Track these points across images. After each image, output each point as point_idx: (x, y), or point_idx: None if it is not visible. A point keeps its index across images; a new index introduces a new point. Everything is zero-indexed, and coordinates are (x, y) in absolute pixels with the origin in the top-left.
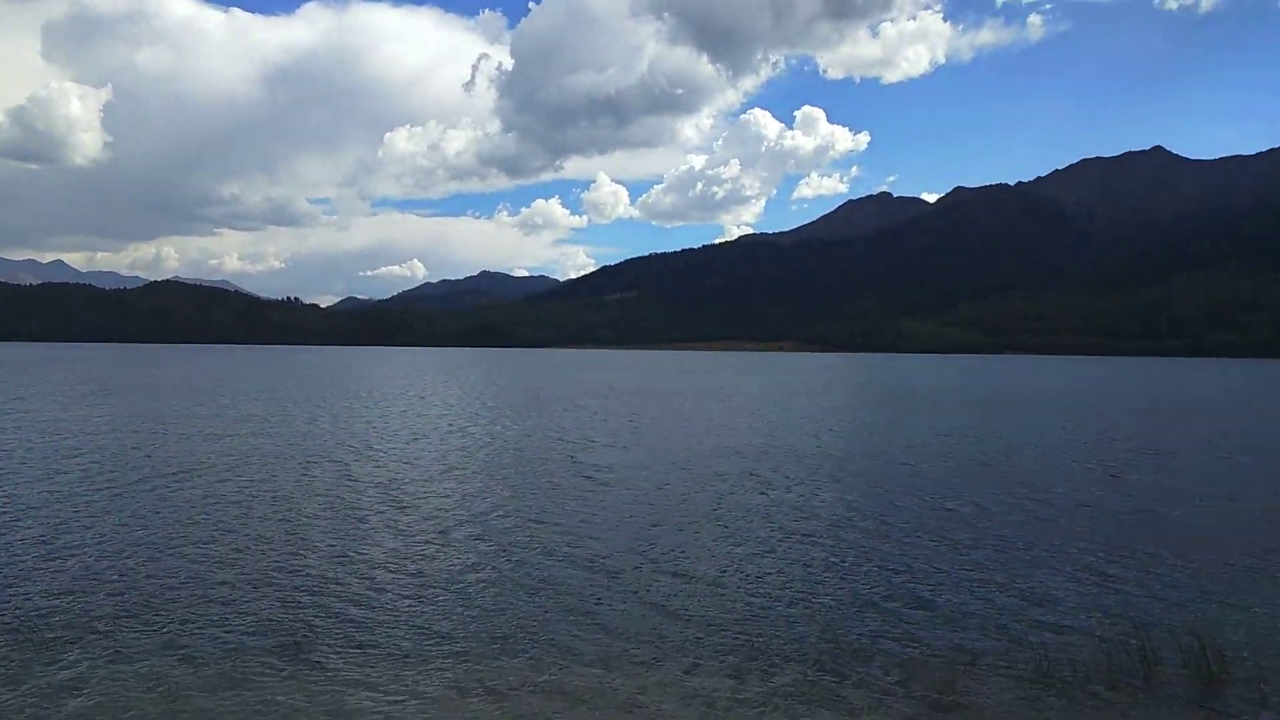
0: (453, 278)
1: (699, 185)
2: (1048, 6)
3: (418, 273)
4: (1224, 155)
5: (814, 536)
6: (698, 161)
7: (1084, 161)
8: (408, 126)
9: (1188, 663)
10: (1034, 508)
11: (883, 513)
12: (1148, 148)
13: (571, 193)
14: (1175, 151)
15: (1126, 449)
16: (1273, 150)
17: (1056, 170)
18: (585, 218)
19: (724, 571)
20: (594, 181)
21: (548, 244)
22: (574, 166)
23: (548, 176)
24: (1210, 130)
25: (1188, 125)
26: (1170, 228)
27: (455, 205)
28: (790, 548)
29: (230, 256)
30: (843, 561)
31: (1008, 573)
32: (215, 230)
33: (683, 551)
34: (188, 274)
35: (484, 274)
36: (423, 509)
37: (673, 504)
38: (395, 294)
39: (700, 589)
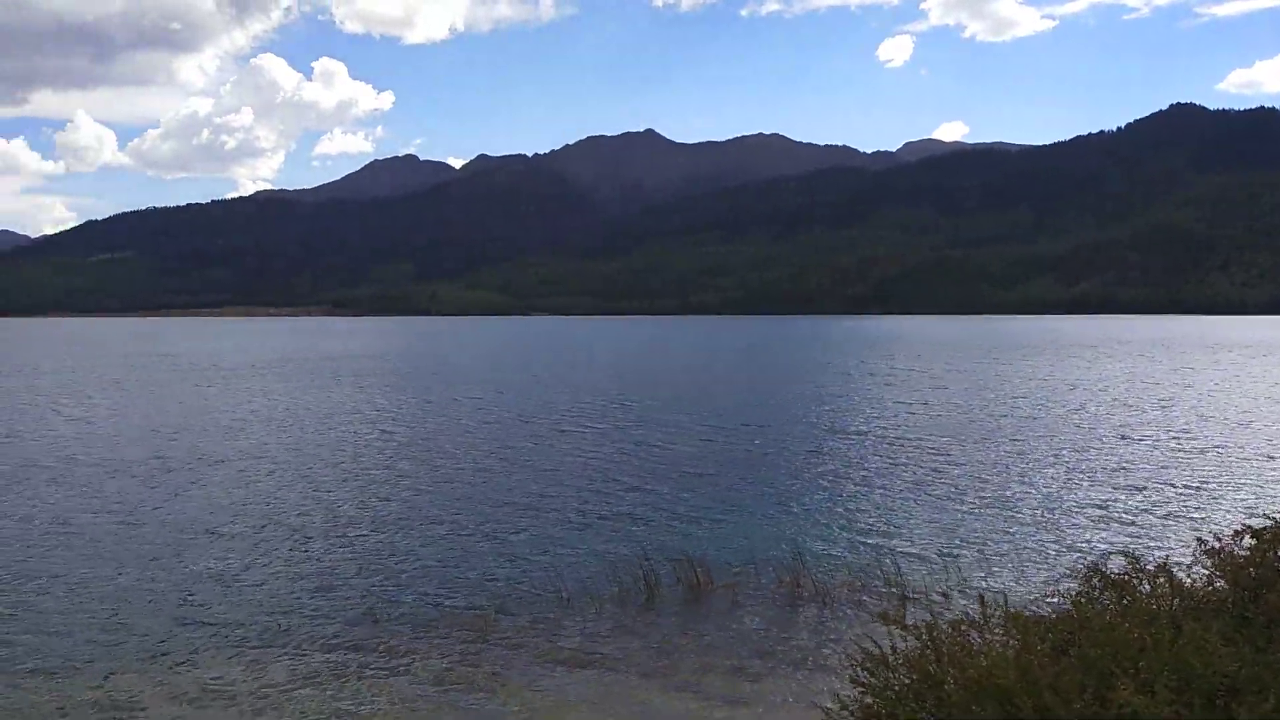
0: None
1: (205, 132)
2: None
3: None
4: (701, 140)
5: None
6: (203, 106)
7: (590, 139)
8: None
9: (681, 578)
10: (543, 459)
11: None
12: (642, 130)
13: (42, 133)
14: (664, 134)
15: (619, 401)
16: (742, 138)
17: (567, 145)
18: (62, 163)
19: (240, 561)
20: (70, 121)
21: (12, 193)
22: (44, 102)
23: (7, 111)
24: (691, 117)
25: (673, 111)
26: (660, 201)
27: None
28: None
29: None
30: (345, 543)
31: (526, 525)
32: None
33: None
34: None
35: None
36: None
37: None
38: None
39: (230, 581)
